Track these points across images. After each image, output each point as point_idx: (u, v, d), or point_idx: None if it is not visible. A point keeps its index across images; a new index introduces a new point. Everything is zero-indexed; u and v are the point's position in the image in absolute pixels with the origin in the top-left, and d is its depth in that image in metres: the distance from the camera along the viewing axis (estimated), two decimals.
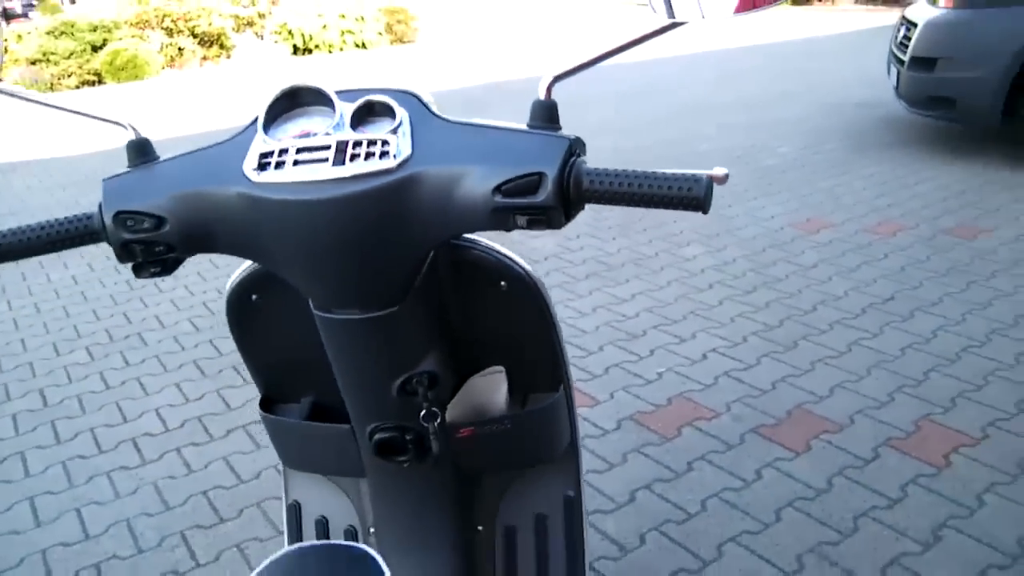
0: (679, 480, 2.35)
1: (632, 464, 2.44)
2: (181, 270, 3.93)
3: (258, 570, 0.85)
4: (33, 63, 11.62)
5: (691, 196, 0.82)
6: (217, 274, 4.12)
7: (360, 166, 0.85)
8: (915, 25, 5.56)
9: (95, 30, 11.96)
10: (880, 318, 3.26)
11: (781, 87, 8.11)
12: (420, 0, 14.17)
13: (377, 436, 1.05)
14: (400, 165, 0.85)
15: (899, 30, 5.96)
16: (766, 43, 11.40)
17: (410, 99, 0.91)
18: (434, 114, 0.91)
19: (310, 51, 12.74)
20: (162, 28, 12.32)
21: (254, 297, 1.07)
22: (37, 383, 3.18)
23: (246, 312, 1.08)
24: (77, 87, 11.65)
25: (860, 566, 1.97)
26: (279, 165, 0.86)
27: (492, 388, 1.13)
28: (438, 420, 1.04)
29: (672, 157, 5.87)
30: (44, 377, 3.22)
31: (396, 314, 0.94)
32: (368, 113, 0.89)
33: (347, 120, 0.88)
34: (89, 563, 2.16)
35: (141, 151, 0.93)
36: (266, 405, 1.19)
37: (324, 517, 1.30)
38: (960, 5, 5.33)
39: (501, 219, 0.86)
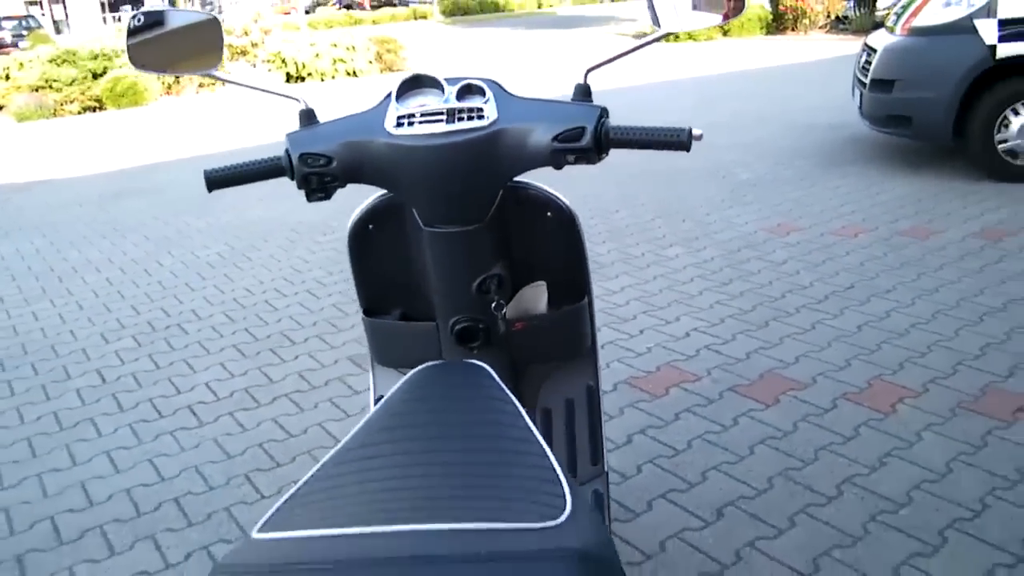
0: (668, 427, 2.77)
1: (628, 416, 2.86)
2: (209, 271, 4.31)
3: (401, 382, 1.26)
4: (35, 90, 12.02)
5: (679, 140, 1.26)
6: (242, 275, 4.52)
7: (464, 124, 1.28)
8: (875, 51, 6.08)
9: (96, 58, 12.40)
10: (841, 303, 3.71)
11: (756, 110, 8.63)
12: (408, 32, 14.73)
13: (459, 326, 1.47)
14: (490, 124, 1.29)
15: (862, 55, 6.50)
16: (742, 70, 11.98)
17: (493, 84, 1.35)
18: (509, 92, 1.35)
19: (303, 79, 13.21)
20: None
21: (370, 227, 1.49)
22: (92, 364, 3.56)
23: (363, 238, 1.50)
24: (79, 112, 12.05)
25: (819, 484, 2.40)
26: (410, 124, 1.29)
27: (537, 296, 1.55)
28: (503, 313, 1.46)
29: (653, 172, 6.34)
30: (98, 360, 3.60)
31: (479, 229, 1.37)
32: (467, 92, 1.33)
33: (453, 96, 1.32)
34: (169, 498, 2.54)
35: (309, 116, 1.36)
36: (368, 316, 1.61)
37: None
38: (913, 33, 5.85)
39: (557, 158, 1.30)
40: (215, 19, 1.44)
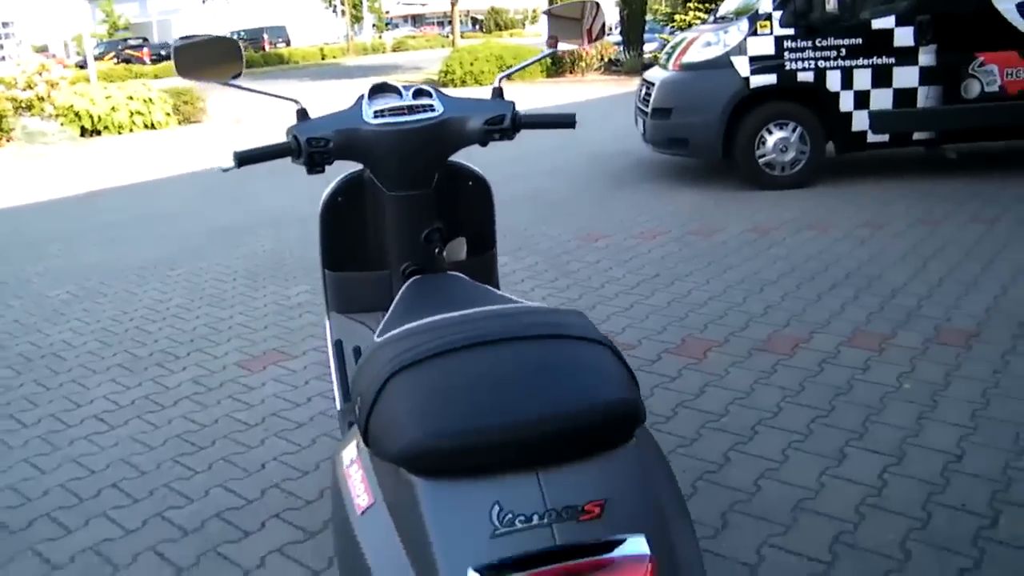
0: None
1: None
2: (66, 308, 4.47)
3: (404, 287, 1.75)
4: None
5: (567, 121, 1.87)
6: (102, 309, 4.69)
7: (421, 115, 1.82)
8: (653, 84, 7.07)
9: None
10: (650, 287, 4.46)
11: (551, 143, 9.50)
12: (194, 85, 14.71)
13: (409, 269, 1.98)
14: (439, 115, 1.84)
15: (641, 89, 7.49)
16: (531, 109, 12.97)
17: (434, 88, 1.90)
18: (444, 94, 1.90)
19: (99, 132, 12.96)
20: None
21: (339, 199, 1.98)
22: None
23: (333, 208, 1.99)
24: None
25: (658, 409, 3.05)
26: (383, 115, 1.81)
27: (460, 247, 2.10)
28: (443, 257, 1.99)
29: None
30: None
31: (428, 193, 1.91)
32: (419, 94, 1.87)
33: (409, 96, 1.85)
34: (106, 485, 2.82)
35: (305, 114, 1.84)
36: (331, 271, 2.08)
37: (358, 346, 2.19)
38: (683, 68, 6.88)
39: (486, 137, 1.86)
40: (232, 39, 1.91)
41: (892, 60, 6.35)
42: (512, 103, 1.91)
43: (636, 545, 0.96)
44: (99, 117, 12.86)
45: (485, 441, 1.02)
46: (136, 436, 3.16)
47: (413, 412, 1.05)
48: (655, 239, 5.46)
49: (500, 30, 59.17)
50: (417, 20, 74.08)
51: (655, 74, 7.34)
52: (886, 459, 2.64)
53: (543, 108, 13.03)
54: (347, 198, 1.99)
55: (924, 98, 6.39)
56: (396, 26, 65.22)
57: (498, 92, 1.96)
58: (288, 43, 42.39)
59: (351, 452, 1.25)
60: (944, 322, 3.72)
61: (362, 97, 1.87)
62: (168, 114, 13.73)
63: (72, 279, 5.32)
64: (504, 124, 1.86)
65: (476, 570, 0.94)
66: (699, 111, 6.72)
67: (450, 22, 42.42)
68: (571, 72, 19.79)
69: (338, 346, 2.21)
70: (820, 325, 3.79)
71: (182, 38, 1.86)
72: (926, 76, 6.34)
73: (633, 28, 20.19)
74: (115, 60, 33.06)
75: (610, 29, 22.66)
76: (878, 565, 2.14)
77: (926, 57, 6.30)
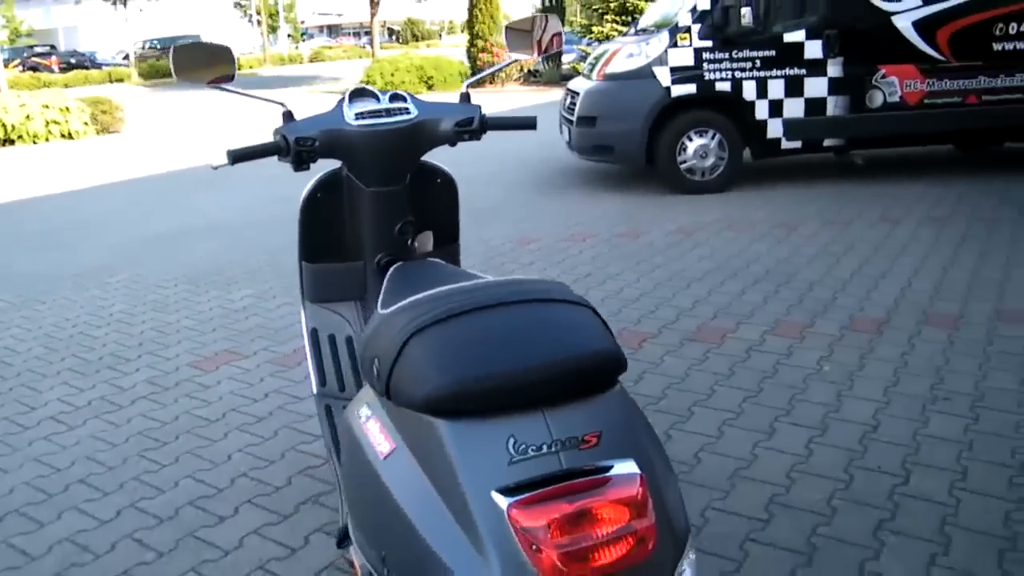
0: None
1: None
2: (4, 316, 4.47)
3: (391, 272, 1.91)
4: None
5: (530, 123, 2.07)
6: (43, 317, 4.70)
7: (398, 118, 1.99)
8: (578, 94, 7.34)
9: None
10: (583, 286, 4.69)
11: (479, 152, 9.70)
12: (110, 95, 14.50)
13: (384, 259, 2.14)
14: (414, 117, 2.01)
15: (566, 99, 7.76)
16: None
17: (407, 93, 2.07)
18: (417, 99, 2.07)
19: (12, 142, 12.64)
20: None
21: (318, 195, 2.14)
22: None
23: (313, 203, 2.14)
24: None
25: None
26: (364, 117, 1.97)
27: (427, 240, 2.27)
28: (415, 248, 2.16)
29: None
30: None
31: (402, 189, 2.08)
32: (395, 98, 2.04)
33: (386, 100, 2.02)
34: (73, 480, 2.89)
35: (291, 116, 1.99)
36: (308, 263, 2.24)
37: (332, 334, 2.34)
38: (607, 78, 7.17)
39: (456, 138, 2.04)
40: (225, 46, 2.05)
41: (803, 71, 6.75)
42: (479, 107, 2.10)
43: (628, 466, 1.15)
44: (12, 126, 12.55)
45: (498, 385, 1.20)
46: (97, 435, 3.22)
47: (435, 363, 1.23)
48: (585, 241, 5.70)
49: (417, 41, 59.24)
50: (333, 30, 73.65)
51: (579, 84, 7.62)
52: (811, 431, 2.90)
53: None
54: (326, 194, 2.15)
55: (833, 107, 6.80)
56: (311, 36, 64.75)
57: (465, 97, 2.16)
58: None
59: (365, 409, 1.42)
60: (857, 312, 4.04)
61: (342, 100, 2.03)
62: (86, 123, 13.46)
63: (6, 288, 5.28)
64: (473, 126, 2.05)
65: (498, 491, 1.12)
66: (623, 119, 7.02)
67: (367, 33, 42.41)
68: (491, 83, 20.05)
69: (314, 334, 2.35)
70: (745, 316, 4.07)
71: (176, 43, 2.00)
72: (834, 87, 6.76)
73: None
74: (20, 68, 32.04)
75: None
76: (809, 521, 2.39)
77: (834, 69, 6.72)
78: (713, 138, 6.96)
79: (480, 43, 20.22)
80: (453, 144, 2.09)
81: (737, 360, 3.55)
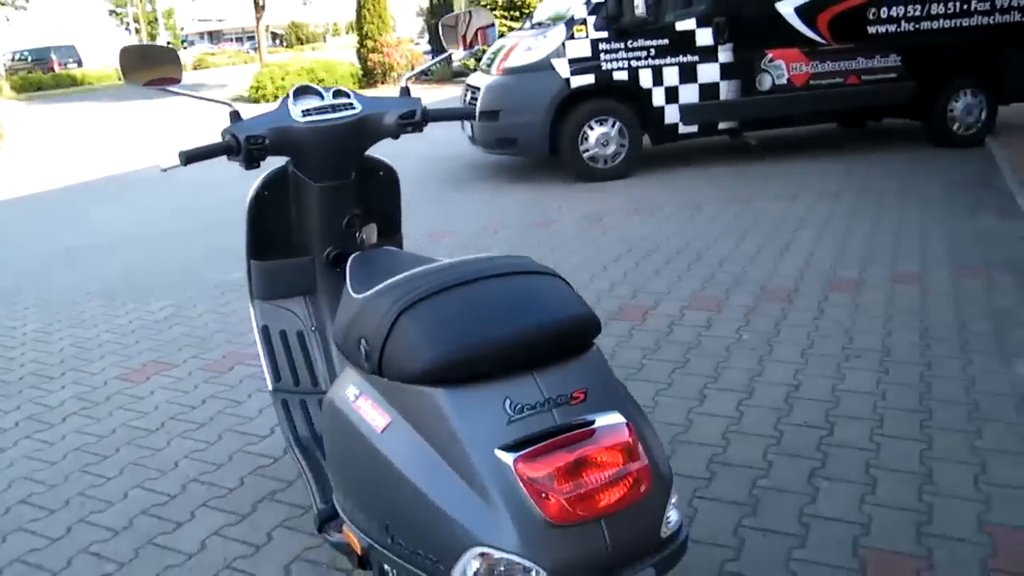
0: None
1: None
2: None
3: (352, 259, 1.96)
4: None
5: (470, 112, 2.16)
6: None
7: (342, 113, 2.06)
8: (479, 89, 7.44)
9: None
10: None
11: (383, 151, 9.73)
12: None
13: (333, 253, 2.20)
14: (358, 112, 2.07)
15: (467, 94, 7.85)
16: None
17: (349, 90, 2.13)
18: (359, 95, 2.14)
19: None
20: None
21: (265, 192, 2.18)
22: None
23: (260, 201, 2.18)
24: None
25: None
26: (309, 114, 2.03)
27: (372, 232, 2.34)
28: (362, 240, 2.23)
29: None
30: None
31: (349, 183, 2.14)
32: (338, 94, 2.09)
33: (330, 97, 2.08)
34: (14, 502, 2.83)
35: (238, 116, 2.03)
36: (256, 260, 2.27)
37: (283, 329, 2.38)
38: (507, 72, 7.29)
39: (398, 131, 2.11)
40: (172, 48, 2.07)
41: (696, 58, 7.02)
42: (419, 99, 2.18)
43: (615, 417, 1.26)
44: None
45: (491, 351, 1.30)
46: (31, 455, 3.15)
47: (428, 337, 1.31)
48: (498, 232, 5.81)
49: (302, 44, 58.32)
50: (214, 36, 71.77)
51: (479, 79, 7.72)
52: (739, 395, 3.08)
53: None
54: (272, 192, 2.19)
55: (725, 91, 7.10)
56: (192, 43, 62.98)
57: (406, 91, 2.23)
58: (80, 63, 40.00)
59: (352, 389, 1.48)
60: (768, 283, 4.27)
61: (287, 98, 2.08)
62: None
63: None
64: (415, 118, 2.12)
65: (501, 449, 1.21)
66: (525, 112, 7.15)
67: (250, 38, 41.56)
68: (382, 82, 19.99)
69: (264, 331, 2.39)
70: (663, 294, 4.25)
71: (124, 48, 2.01)
72: (726, 72, 7.05)
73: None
74: None
75: (416, 42, 23.11)
76: (748, 475, 2.55)
77: (725, 55, 7.02)
78: (613, 126, 7.16)
79: (370, 43, 20.11)
80: (396, 137, 2.16)
81: (661, 335, 3.71)
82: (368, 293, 1.51)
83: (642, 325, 3.85)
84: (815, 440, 2.72)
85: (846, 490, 2.44)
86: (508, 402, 1.27)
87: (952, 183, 6.21)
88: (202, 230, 6.59)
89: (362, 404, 1.44)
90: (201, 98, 2.23)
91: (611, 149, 7.21)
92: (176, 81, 2.07)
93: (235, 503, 2.67)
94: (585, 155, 7.23)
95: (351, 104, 2.09)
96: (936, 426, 2.75)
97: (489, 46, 2.48)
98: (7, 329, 4.62)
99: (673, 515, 1.38)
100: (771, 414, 2.92)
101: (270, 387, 2.36)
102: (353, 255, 2.04)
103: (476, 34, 2.49)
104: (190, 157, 1.96)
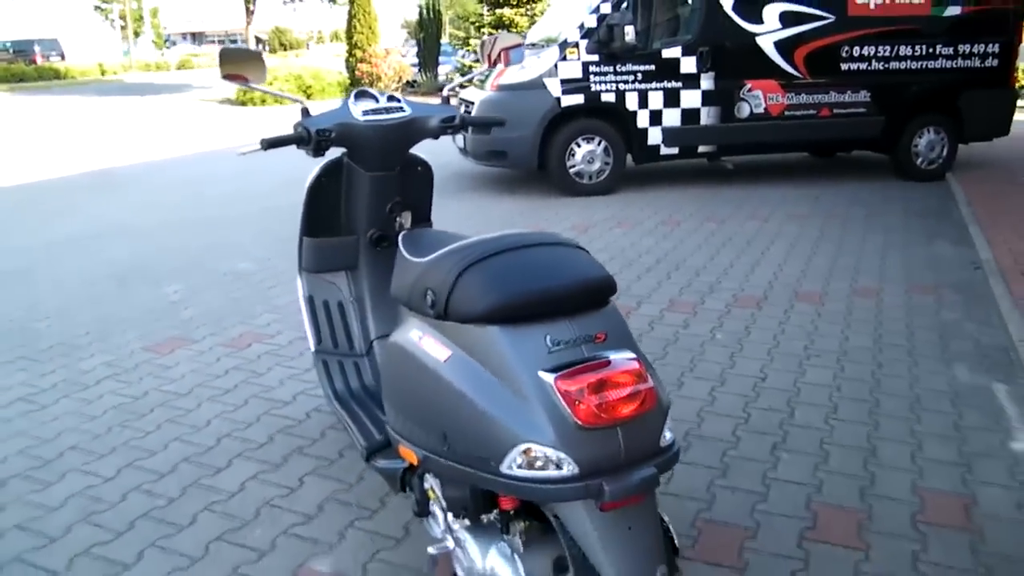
0: None
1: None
2: None
3: (402, 243, 2.33)
4: None
5: (500, 121, 2.55)
6: None
7: (395, 115, 2.44)
8: (473, 103, 7.83)
9: None
10: None
11: None
12: None
13: (376, 235, 2.57)
14: (408, 114, 2.46)
15: (461, 108, 8.23)
16: None
17: (399, 95, 2.51)
18: (408, 100, 2.52)
19: None
20: None
21: (323, 179, 2.55)
22: None
23: (317, 186, 2.55)
24: None
25: None
26: (369, 114, 2.40)
27: (407, 218, 2.71)
28: (399, 225, 2.60)
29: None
30: None
31: (394, 174, 2.52)
32: (390, 99, 2.48)
33: (384, 100, 2.46)
34: (12, 475, 3.16)
35: (307, 112, 2.39)
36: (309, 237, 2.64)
37: (326, 299, 2.74)
38: (501, 89, 7.69)
39: (440, 132, 2.50)
40: (259, 53, 2.44)
41: (680, 84, 7.48)
42: (457, 107, 2.58)
43: (628, 354, 1.64)
44: None
45: (536, 299, 1.67)
46: (74, 411, 3.46)
47: (487, 287, 1.69)
48: None
49: (285, 50, 58.57)
50: (197, 38, 71.81)
51: (473, 94, 8.11)
52: (712, 383, 3.48)
53: None
54: (328, 179, 2.56)
55: (706, 117, 7.57)
56: (174, 43, 63.00)
57: (445, 100, 2.62)
58: (63, 57, 39.95)
59: (416, 332, 1.85)
60: (739, 292, 4.69)
61: (347, 100, 2.45)
62: None
63: None
64: (455, 122, 2.51)
65: (544, 371, 1.59)
66: (517, 126, 7.53)
67: (232, 41, 41.67)
68: None
69: (310, 300, 2.75)
70: (644, 297, 4.65)
71: (224, 48, 2.38)
72: (707, 98, 7.52)
73: (429, 51, 21.09)
74: None
75: (403, 53, 23.50)
76: (719, 447, 2.95)
77: (707, 82, 7.48)
78: (599, 144, 7.59)
79: (359, 53, 20.48)
80: (436, 137, 2.54)
81: (643, 331, 4.11)
82: (431, 257, 1.88)
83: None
84: (778, 421, 3.13)
85: (803, 460, 2.84)
86: (548, 338, 1.64)
87: (913, 213, 6.70)
88: (200, 222, 6.91)
89: (427, 342, 1.80)
90: (278, 94, 2.59)
91: (596, 166, 7.63)
92: (247, 80, 2.42)
93: (267, 455, 3.01)
94: (571, 170, 7.65)
95: (402, 107, 2.47)
96: (882, 413, 3.17)
97: (514, 65, 2.87)
98: (30, 305, 4.91)
99: (668, 433, 1.75)
100: (740, 399, 3.32)
101: (312, 349, 2.72)
102: (403, 233, 2.41)
103: (500, 54, 2.87)
104: (270, 144, 2.32)
